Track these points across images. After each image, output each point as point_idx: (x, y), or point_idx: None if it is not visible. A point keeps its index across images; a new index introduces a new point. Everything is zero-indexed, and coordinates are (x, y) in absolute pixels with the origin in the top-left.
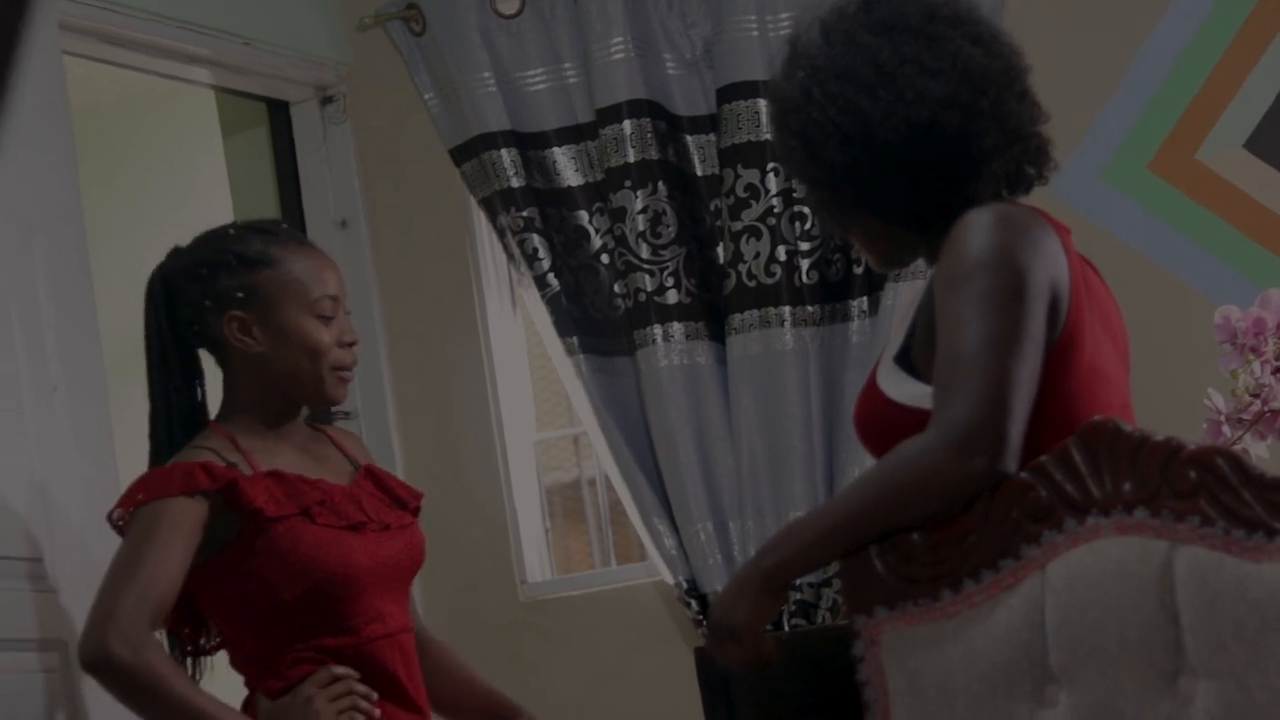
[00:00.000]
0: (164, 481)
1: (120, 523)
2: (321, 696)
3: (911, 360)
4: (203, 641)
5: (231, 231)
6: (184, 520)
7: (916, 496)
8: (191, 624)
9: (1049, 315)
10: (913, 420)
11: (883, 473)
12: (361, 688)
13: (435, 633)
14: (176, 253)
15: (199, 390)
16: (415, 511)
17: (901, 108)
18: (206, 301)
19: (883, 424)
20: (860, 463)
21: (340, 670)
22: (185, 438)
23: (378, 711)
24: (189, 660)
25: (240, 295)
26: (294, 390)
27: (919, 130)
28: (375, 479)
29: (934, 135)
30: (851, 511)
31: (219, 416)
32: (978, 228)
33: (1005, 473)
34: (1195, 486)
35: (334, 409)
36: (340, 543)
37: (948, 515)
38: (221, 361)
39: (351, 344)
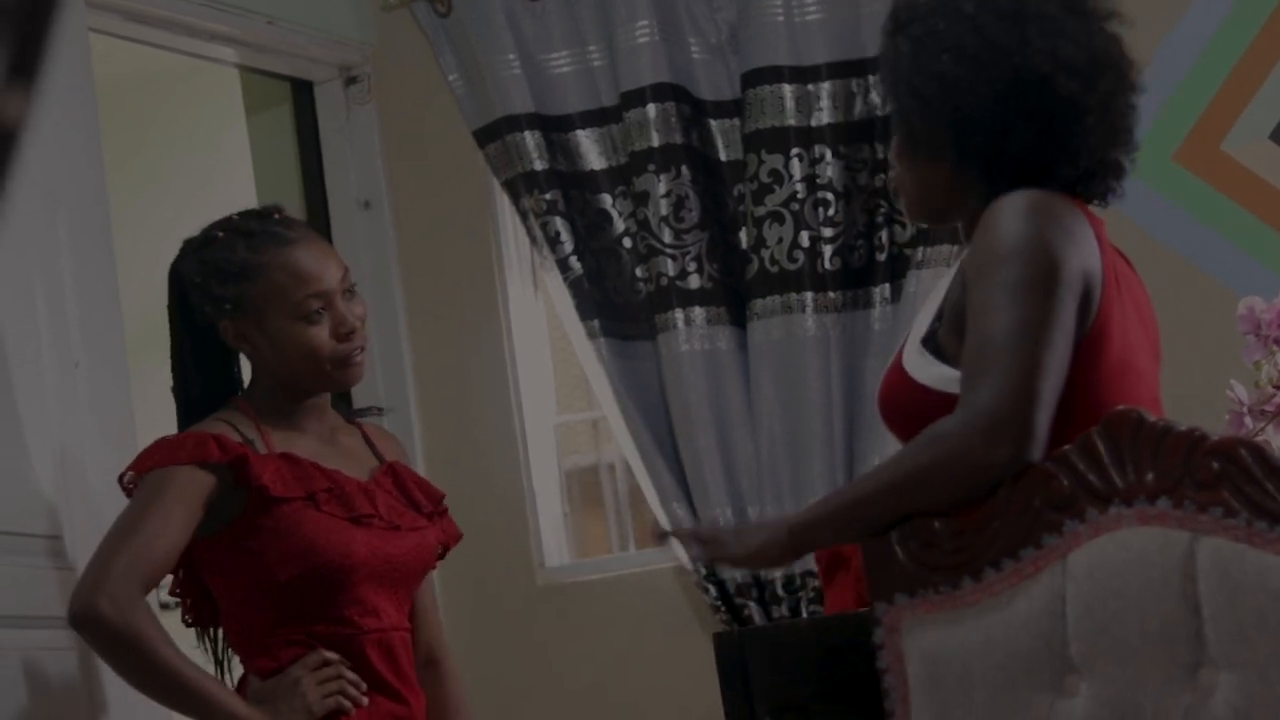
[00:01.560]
0: (176, 449)
1: (130, 485)
2: (310, 679)
3: (938, 343)
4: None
5: (220, 235)
6: (189, 489)
7: (941, 478)
8: (195, 594)
9: (1080, 306)
10: (938, 403)
11: (910, 453)
12: (351, 674)
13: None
14: (184, 250)
15: (237, 369)
16: (431, 516)
17: (1029, 52)
18: (207, 308)
19: (907, 406)
20: (880, 450)
21: (330, 655)
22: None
23: (365, 700)
24: (199, 634)
25: (229, 306)
26: (302, 385)
27: (1035, 80)
28: (396, 478)
29: (1045, 92)
30: (877, 487)
31: (245, 393)
32: (1011, 214)
33: (1030, 461)
34: (1218, 477)
35: (369, 407)
36: (341, 532)
37: (971, 501)
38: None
39: (350, 333)
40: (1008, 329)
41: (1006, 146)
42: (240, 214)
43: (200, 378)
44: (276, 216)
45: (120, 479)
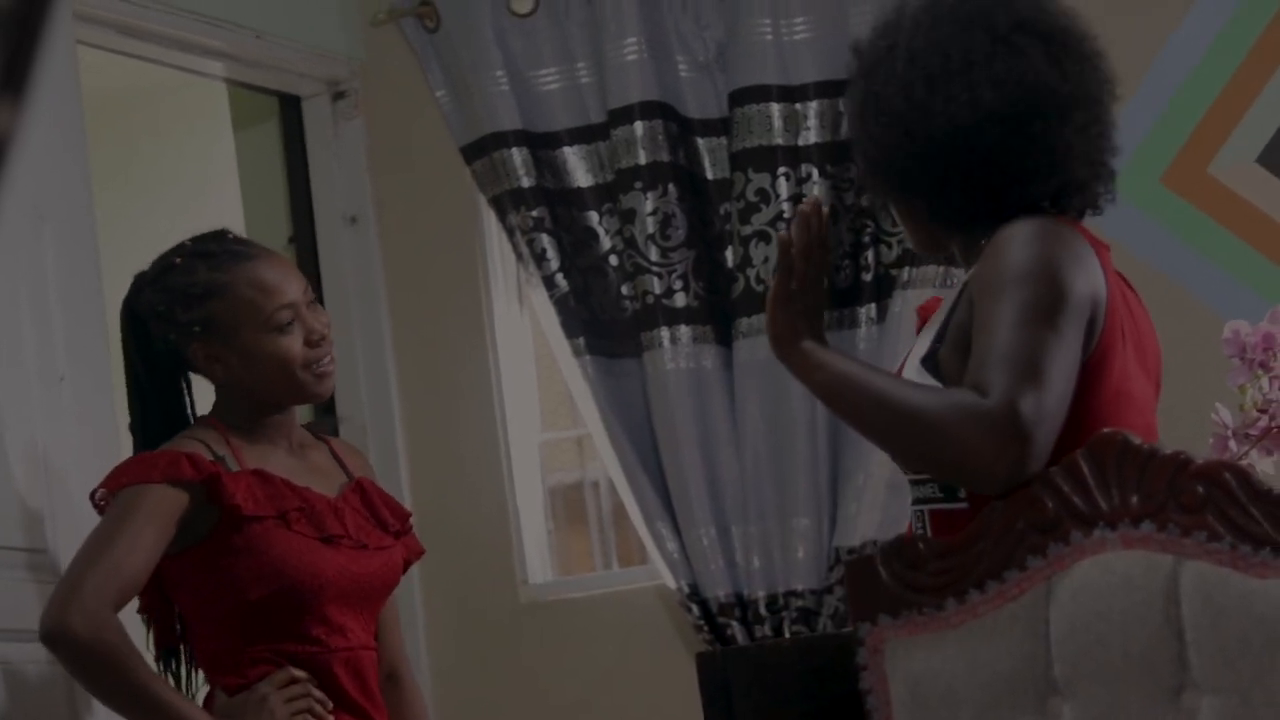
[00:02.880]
0: (148, 467)
1: (101, 503)
2: (277, 696)
3: (938, 362)
4: (176, 629)
5: (178, 261)
6: (161, 508)
7: (943, 444)
8: (160, 612)
9: (1085, 332)
10: None
11: (934, 401)
12: (318, 693)
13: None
14: (137, 285)
15: (188, 401)
16: (398, 534)
17: (952, 108)
18: (172, 336)
19: None
20: (865, 469)
21: (298, 673)
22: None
23: (331, 718)
24: (157, 654)
25: (198, 329)
26: (276, 399)
27: (960, 136)
28: (364, 495)
29: (972, 144)
30: (881, 395)
31: (214, 411)
32: (1021, 239)
33: (1028, 475)
34: (1202, 501)
35: (319, 422)
36: (311, 552)
37: (949, 480)
38: (209, 379)
39: (320, 340)
40: (1021, 345)
41: (947, 197)
42: (191, 239)
43: (159, 412)
44: (230, 236)
45: (92, 495)
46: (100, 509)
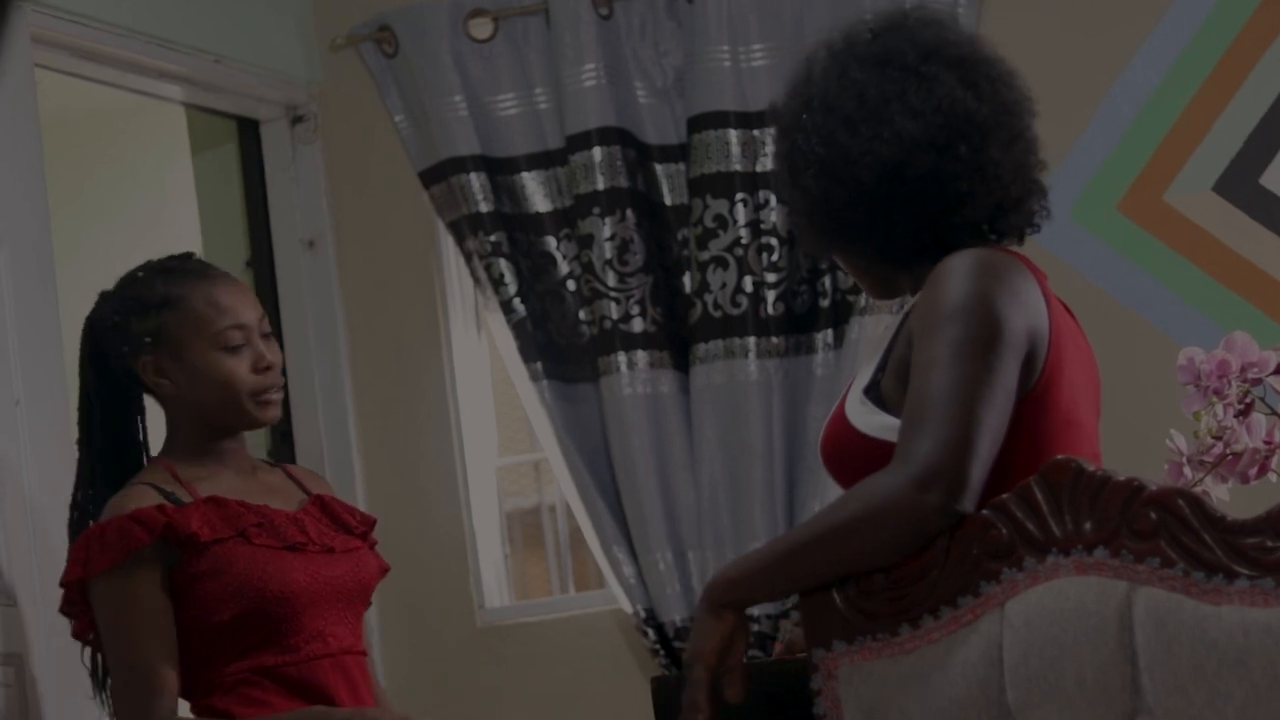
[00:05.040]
0: (104, 549)
1: (75, 602)
2: None
3: (881, 392)
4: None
5: (140, 275)
6: (142, 588)
7: (871, 528)
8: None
9: (1025, 364)
10: (879, 452)
11: (840, 504)
12: None
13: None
14: (101, 300)
15: (140, 429)
16: (364, 536)
17: (877, 145)
18: (124, 348)
19: (849, 455)
20: (821, 495)
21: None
22: (115, 480)
23: None
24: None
25: (149, 340)
26: (219, 420)
27: (891, 170)
28: (324, 506)
29: (905, 176)
30: (805, 538)
31: (163, 451)
32: (958, 274)
33: (962, 513)
34: (1156, 527)
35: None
36: (277, 561)
37: (903, 553)
38: (158, 401)
39: (268, 368)
40: (948, 385)
41: (894, 233)
42: (159, 259)
43: (105, 432)
44: (194, 258)
45: (64, 585)
46: (71, 600)
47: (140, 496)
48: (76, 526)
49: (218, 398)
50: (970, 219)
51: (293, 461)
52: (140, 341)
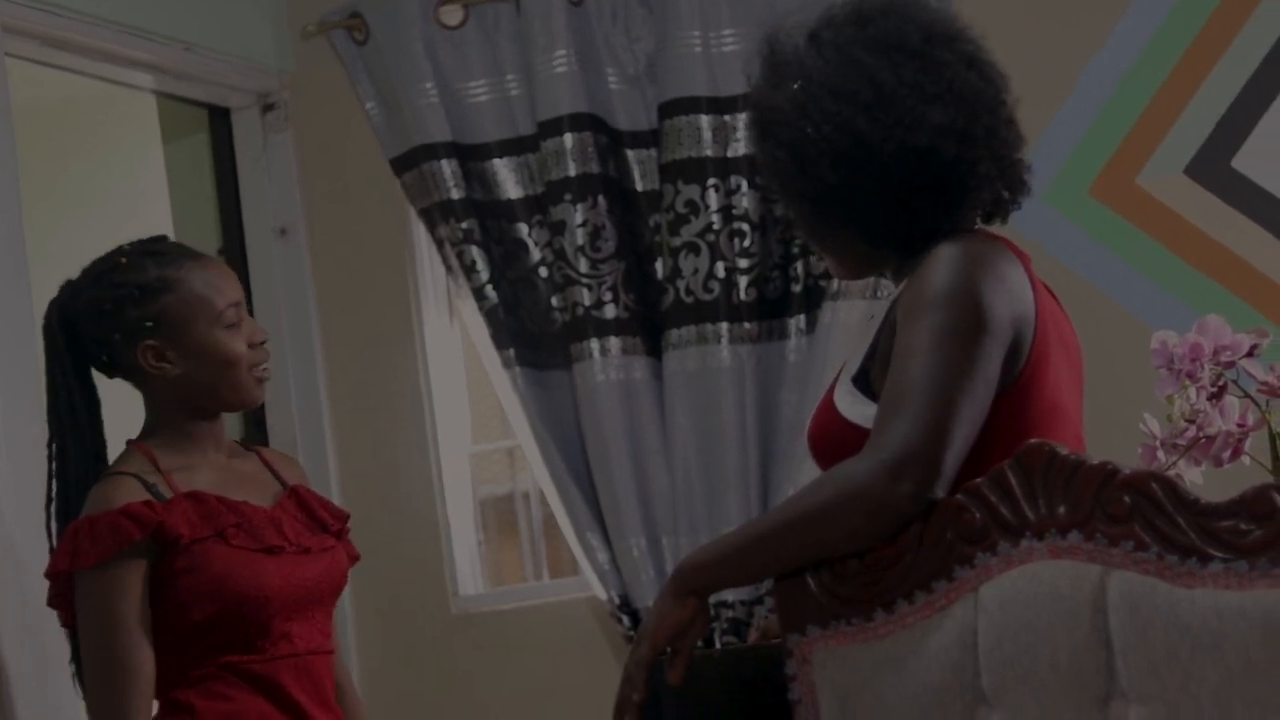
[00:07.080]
0: (94, 542)
1: (62, 592)
2: None
3: (869, 381)
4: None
5: (124, 260)
6: (128, 584)
7: (841, 514)
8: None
9: (1011, 351)
10: (866, 440)
11: (810, 490)
12: None
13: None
14: (72, 288)
15: (98, 420)
16: (338, 534)
17: (900, 132)
18: (116, 335)
19: (836, 442)
20: (795, 480)
21: None
22: (88, 471)
23: None
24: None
25: (149, 324)
26: (216, 402)
27: (916, 156)
28: (299, 500)
29: (931, 161)
30: (777, 523)
31: (141, 435)
32: (945, 262)
33: (934, 500)
34: (1130, 511)
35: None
36: (253, 564)
37: (875, 539)
38: (139, 386)
39: (263, 342)
40: (927, 372)
41: (911, 218)
42: (129, 244)
43: (78, 423)
44: (169, 240)
45: (50, 576)
46: (59, 592)
47: (126, 488)
48: (61, 518)
49: (219, 376)
50: (983, 200)
51: None
52: (140, 327)
